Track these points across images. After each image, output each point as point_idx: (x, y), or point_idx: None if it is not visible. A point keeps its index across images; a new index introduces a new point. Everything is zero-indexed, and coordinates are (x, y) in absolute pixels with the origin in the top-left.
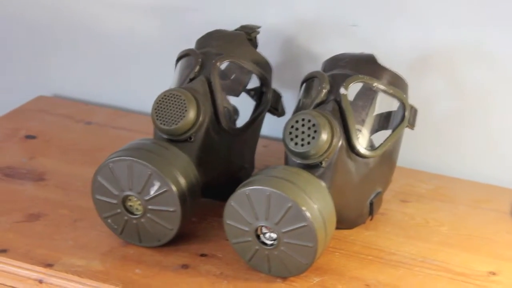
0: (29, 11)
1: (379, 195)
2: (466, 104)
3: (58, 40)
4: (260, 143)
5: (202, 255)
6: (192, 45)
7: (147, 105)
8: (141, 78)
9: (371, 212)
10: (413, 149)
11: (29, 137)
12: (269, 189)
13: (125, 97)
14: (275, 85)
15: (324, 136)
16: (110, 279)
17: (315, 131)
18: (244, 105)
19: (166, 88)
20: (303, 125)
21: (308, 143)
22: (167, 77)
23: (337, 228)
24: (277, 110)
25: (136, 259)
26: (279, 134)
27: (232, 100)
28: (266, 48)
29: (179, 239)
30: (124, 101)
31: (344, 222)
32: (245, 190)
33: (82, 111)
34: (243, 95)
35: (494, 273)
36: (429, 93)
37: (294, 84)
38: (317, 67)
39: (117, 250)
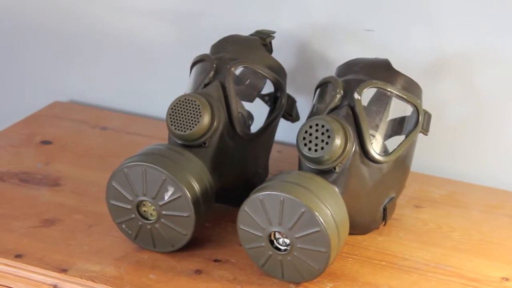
0: (45, 17)
1: (392, 200)
2: (479, 110)
3: (74, 47)
4: (274, 148)
5: (215, 260)
6: (207, 50)
7: (162, 111)
8: (156, 84)
9: (384, 218)
10: (427, 154)
11: (45, 142)
12: (283, 194)
13: (140, 103)
14: (289, 90)
15: (338, 141)
16: (124, 284)
17: (328, 137)
18: (258, 111)
19: (181, 93)
20: (316, 130)
21: (322, 148)
22: (182, 82)
23: (350, 233)
24: (291, 116)
25: (150, 264)
26: (293, 140)
27: (246, 105)
28: (280, 53)
29: (193, 244)
30: (139, 107)
31: (358, 227)
32: (258, 196)
33: (97, 116)
34: (257, 100)
35: (507, 279)
36: (443, 99)
37: (308, 89)
38: (331, 72)
39: (131, 255)
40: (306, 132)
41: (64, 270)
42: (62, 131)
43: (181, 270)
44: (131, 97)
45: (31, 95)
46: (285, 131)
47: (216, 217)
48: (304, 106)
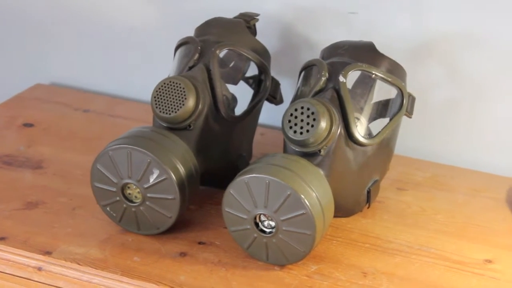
0: (27, 1)
1: (376, 183)
2: (463, 92)
3: (55, 28)
4: (258, 131)
5: (200, 243)
6: (190, 33)
7: (145, 93)
8: (138, 66)
9: (368, 200)
10: (410, 137)
11: (27, 125)
12: (268, 177)
13: (122, 85)
14: (273, 73)
15: (323, 124)
16: (108, 266)
17: (314, 119)
18: (242, 93)
19: (164, 76)
20: (302, 113)
21: (307, 131)
22: (165, 65)
23: (335, 216)
24: (275, 98)
25: (135, 247)
26: (276, 122)
27: (230, 88)
28: (264, 36)
29: (178, 227)
30: (122, 89)
31: (342, 210)
32: (244, 178)
33: (80, 99)
34: (241, 83)
35: (490, 261)
36: (427, 81)
37: (292, 72)
38: (315, 55)
39: (115, 238)
40: (291, 115)
41: (48, 253)
42: (44, 113)
43: (166, 253)
44: (113, 80)
45: (12, 77)
46: (268, 113)
47: (200, 200)
48: (287, 88)
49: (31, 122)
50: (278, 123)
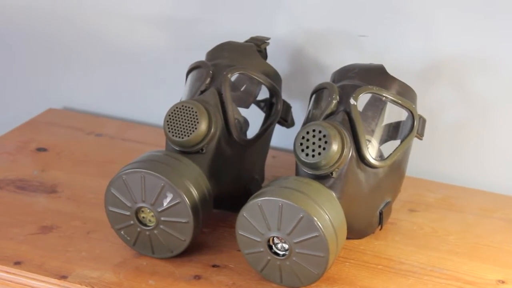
0: (39, 24)
1: (388, 204)
2: (473, 114)
3: (67, 53)
4: (269, 153)
5: (214, 265)
6: (201, 57)
7: (156, 117)
8: (150, 90)
9: (380, 222)
10: (421, 158)
11: (40, 149)
12: (281, 200)
13: (134, 109)
14: (284, 96)
15: (335, 146)
16: None
17: (325, 142)
18: (253, 116)
19: (176, 100)
20: (314, 136)
21: (319, 154)
22: (176, 89)
23: (347, 238)
24: (287, 121)
25: (149, 270)
26: (288, 145)
27: (242, 111)
28: (275, 59)
29: (191, 250)
30: (134, 113)
31: (354, 232)
32: (257, 201)
33: (92, 123)
34: (252, 106)
35: (503, 282)
36: (437, 103)
37: (302, 95)
38: (326, 78)
39: (130, 262)
40: (303, 137)
41: (63, 277)
42: (57, 138)
43: (180, 276)
44: (125, 104)
45: (25, 102)
46: (280, 136)
47: (213, 223)
48: (298, 111)
49: (44, 146)
50: (290, 146)
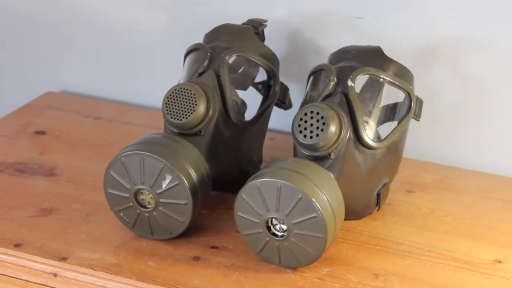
0: (36, 7)
1: (386, 185)
2: (470, 94)
3: (64, 36)
4: (267, 135)
5: (213, 247)
6: (198, 39)
7: (154, 100)
8: (147, 73)
9: (378, 203)
10: (418, 139)
11: (39, 132)
12: (280, 181)
13: (132, 92)
14: (281, 78)
15: (333, 128)
16: (123, 271)
17: (323, 123)
18: (251, 98)
19: (174, 82)
20: (311, 117)
21: (317, 135)
22: (174, 71)
23: (345, 219)
24: (284, 103)
25: (149, 252)
26: (285, 127)
27: (239, 93)
28: (272, 41)
29: (190, 231)
30: (131, 96)
31: (352, 213)
32: (256, 182)
33: (90, 106)
34: (250, 88)
35: (500, 261)
36: (434, 84)
37: (300, 77)
38: (323, 59)
39: (129, 243)
40: (301, 119)
41: (63, 259)
42: (55, 121)
43: (179, 257)
44: (123, 87)
45: (23, 86)
46: (277, 118)
47: (212, 205)
48: (296, 93)
49: (43, 129)
50: (288, 128)
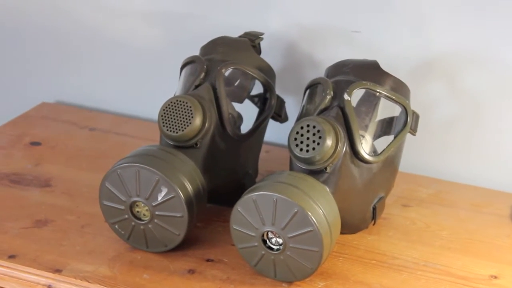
0: (31, 18)
1: (381, 199)
2: (465, 109)
3: (60, 47)
4: (263, 148)
5: (208, 260)
6: (195, 51)
7: (150, 112)
8: (144, 85)
9: (374, 217)
10: (414, 153)
11: (34, 143)
12: (276, 194)
13: (127, 104)
14: (277, 91)
15: (329, 142)
16: (118, 284)
17: (320, 137)
18: (246, 111)
19: (169, 94)
20: (308, 131)
21: (313, 149)
22: (170, 83)
23: (341, 233)
24: (280, 116)
25: (144, 264)
26: (281, 140)
27: (235, 106)
28: (269, 54)
29: (185, 244)
30: (127, 108)
31: (348, 227)
32: (251, 196)
33: (86, 117)
34: (245, 101)
35: (495, 277)
36: (429, 99)
37: (296, 90)
38: (319, 73)
39: (124, 256)
40: (297, 133)
41: (58, 271)
42: (50, 132)
43: (174, 270)
44: (119, 98)
45: (18, 96)
46: (273, 131)
47: (207, 217)
48: (292, 106)
49: (38, 140)
50: (283, 141)
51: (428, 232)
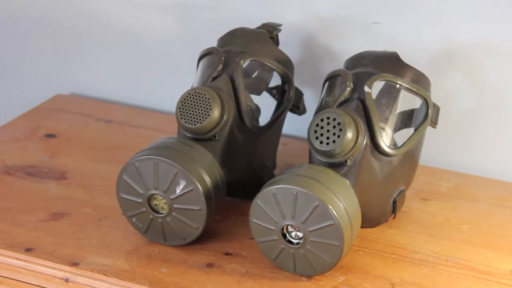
0: (46, 9)
1: (402, 193)
2: (486, 102)
3: (74, 38)
4: (280, 141)
5: (226, 253)
6: (211, 43)
7: (166, 104)
8: (159, 77)
9: (394, 211)
10: (434, 147)
11: (49, 135)
12: (296, 187)
13: (143, 96)
14: (295, 83)
15: (350, 134)
16: (136, 278)
17: (340, 130)
18: (264, 103)
19: (186, 86)
20: (328, 123)
21: (334, 141)
22: (187, 75)
23: (361, 226)
24: (299, 109)
25: (162, 258)
26: (298, 132)
27: (253, 98)
28: (287, 46)
29: (204, 237)
30: (142, 100)
31: (368, 220)
32: (271, 189)
33: (101, 109)
34: (263, 93)
35: None
36: (450, 91)
37: (314, 82)
38: (337, 65)
39: (142, 249)
40: (317, 125)
41: (75, 264)
42: (66, 124)
43: (193, 264)
44: (134, 90)
45: (33, 88)
46: (290, 123)
47: (225, 210)
48: (310, 98)
49: (53, 132)
50: (301, 133)
51: (448, 226)
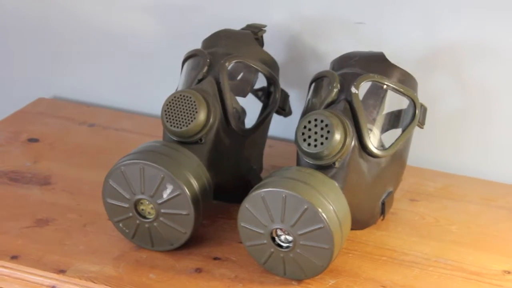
0: (28, 12)
1: (390, 194)
2: (473, 102)
3: (56, 41)
4: (266, 143)
5: (215, 258)
6: (195, 45)
7: (150, 107)
8: (143, 79)
9: (383, 212)
10: (421, 147)
11: (32, 140)
12: (285, 191)
13: (127, 99)
14: (281, 84)
15: (338, 136)
16: (124, 284)
17: (328, 132)
18: (249, 105)
19: (170, 89)
20: (316, 125)
21: (322, 143)
22: (171, 77)
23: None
24: (284, 110)
25: (149, 264)
26: (284, 134)
27: (239, 100)
28: (271, 47)
29: (191, 242)
30: (126, 103)
31: (356, 222)
32: (260, 192)
33: (84, 113)
34: (248, 95)
35: (509, 272)
36: (436, 91)
37: (299, 83)
38: (323, 66)
39: (129, 255)
40: (305, 127)
41: (62, 271)
42: (48, 128)
43: (181, 269)
44: (117, 93)
45: (14, 92)
46: (276, 125)
47: (212, 215)
48: (295, 100)
49: (36, 137)
50: (287, 135)
51: (437, 227)
